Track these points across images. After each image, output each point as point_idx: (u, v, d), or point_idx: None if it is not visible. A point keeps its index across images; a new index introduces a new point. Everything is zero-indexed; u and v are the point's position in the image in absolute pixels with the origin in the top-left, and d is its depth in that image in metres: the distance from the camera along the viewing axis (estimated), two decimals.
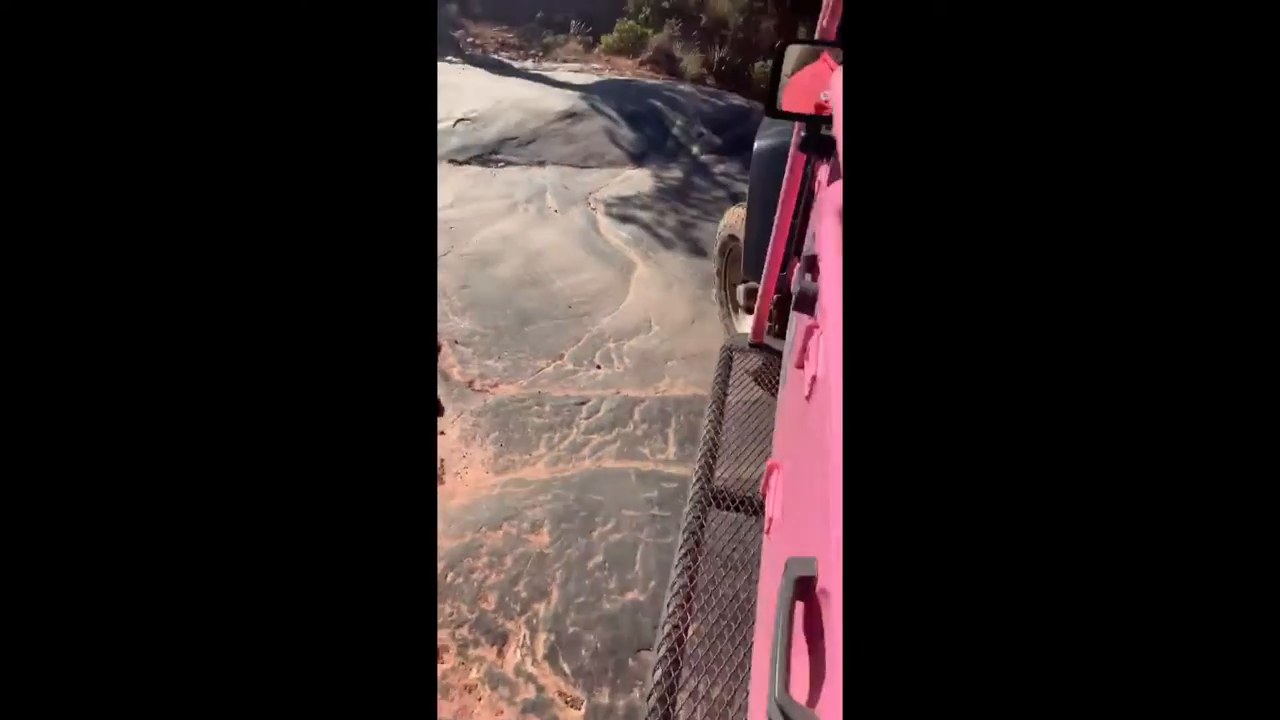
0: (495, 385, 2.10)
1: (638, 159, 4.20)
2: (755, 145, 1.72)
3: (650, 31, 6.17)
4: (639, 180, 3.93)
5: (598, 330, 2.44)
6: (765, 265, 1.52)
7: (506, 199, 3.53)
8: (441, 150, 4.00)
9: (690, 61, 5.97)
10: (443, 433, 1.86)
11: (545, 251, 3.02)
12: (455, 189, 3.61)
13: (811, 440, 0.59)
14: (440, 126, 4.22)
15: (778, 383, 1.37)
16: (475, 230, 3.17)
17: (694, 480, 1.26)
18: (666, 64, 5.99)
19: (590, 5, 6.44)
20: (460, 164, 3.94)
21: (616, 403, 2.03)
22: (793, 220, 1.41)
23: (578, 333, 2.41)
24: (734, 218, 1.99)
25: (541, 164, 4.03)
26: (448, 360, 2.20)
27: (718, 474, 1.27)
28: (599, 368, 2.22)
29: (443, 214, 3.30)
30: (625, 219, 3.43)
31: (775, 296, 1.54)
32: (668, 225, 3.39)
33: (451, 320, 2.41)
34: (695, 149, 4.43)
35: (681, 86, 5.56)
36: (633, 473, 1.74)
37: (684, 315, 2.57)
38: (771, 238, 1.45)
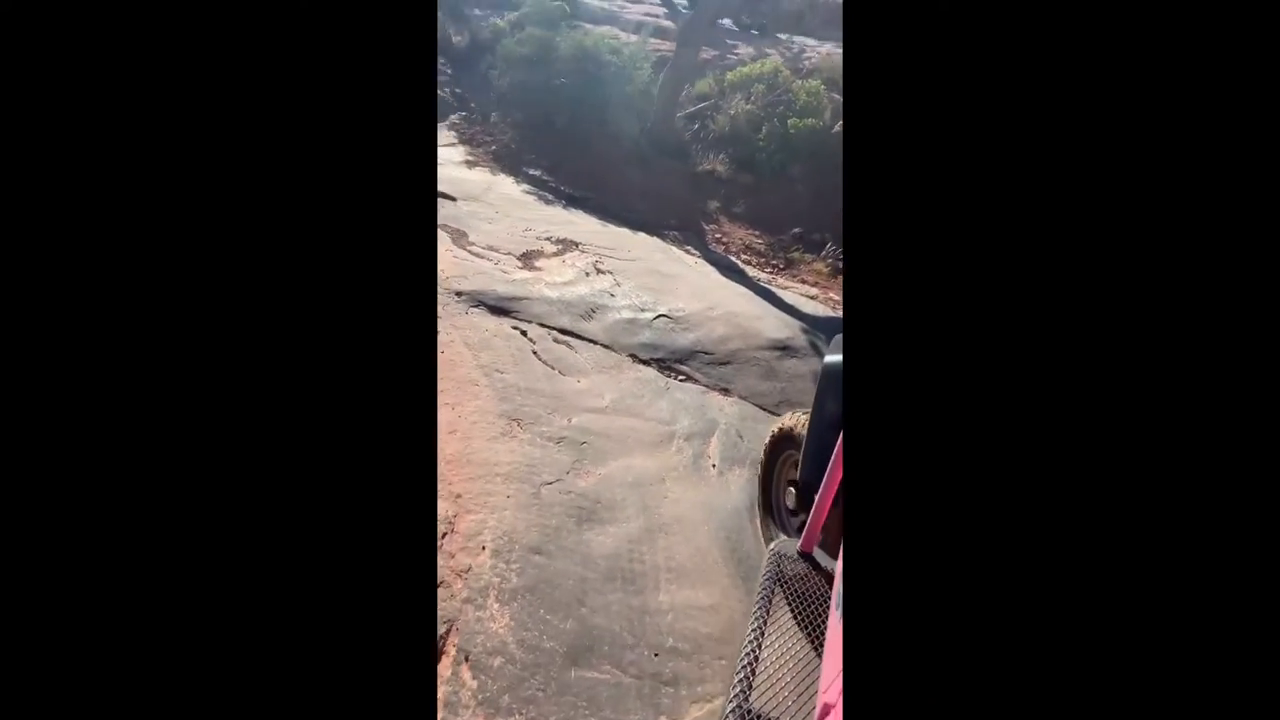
0: None
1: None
2: (825, 359, 1.78)
3: None
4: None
5: None
6: (825, 478, 1.49)
7: (664, 426, 2.91)
8: (629, 341, 3.64)
9: None
10: None
11: (671, 528, 2.25)
12: (619, 391, 3.12)
13: None
14: (641, 316, 3.92)
15: (825, 601, 1.40)
16: (607, 458, 2.56)
17: (730, 698, 1.18)
18: None
19: None
20: (640, 362, 3.50)
21: None
22: None
23: None
24: (792, 420, 2.03)
25: (726, 392, 3.41)
26: (440, 694, 1.46)
27: (755, 695, 1.19)
28: None
29: (589, 420, 2.78)
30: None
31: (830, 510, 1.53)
32: None
33: (489, 610, 1.71)
34: None
35: None
36: None
37: None
38: (832, 455, 1.44)
